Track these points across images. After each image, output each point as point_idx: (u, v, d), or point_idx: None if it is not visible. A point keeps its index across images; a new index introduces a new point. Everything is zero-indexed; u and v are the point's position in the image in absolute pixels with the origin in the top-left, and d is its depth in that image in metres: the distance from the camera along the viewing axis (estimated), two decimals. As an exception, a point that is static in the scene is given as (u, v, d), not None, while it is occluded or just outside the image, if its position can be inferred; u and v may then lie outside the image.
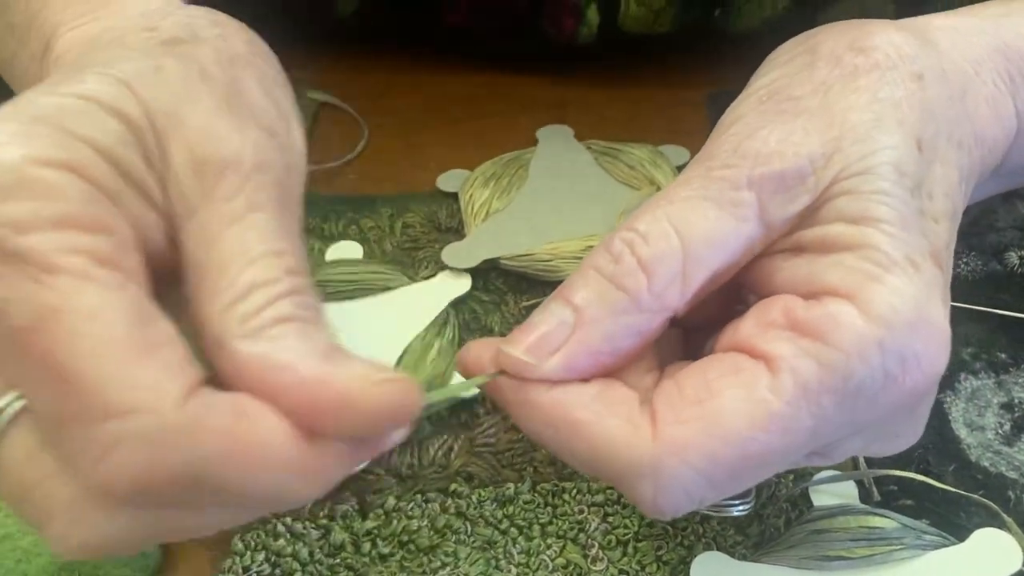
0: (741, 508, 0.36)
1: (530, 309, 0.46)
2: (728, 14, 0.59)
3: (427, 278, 0.48)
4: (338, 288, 0.47)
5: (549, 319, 0.29)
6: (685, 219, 0.29)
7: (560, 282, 0.46)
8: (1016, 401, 0.41)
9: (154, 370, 0.23)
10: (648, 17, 0.58)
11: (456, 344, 0.45)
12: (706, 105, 0.60)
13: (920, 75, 0.31)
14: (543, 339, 0.28)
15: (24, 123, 0.25)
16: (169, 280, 0.27)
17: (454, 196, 0.53)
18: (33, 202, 0.24)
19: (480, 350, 0.30)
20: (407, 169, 0.56)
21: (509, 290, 0.48)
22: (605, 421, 0.28)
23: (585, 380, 0.29)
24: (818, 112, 0.30)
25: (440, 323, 0.46)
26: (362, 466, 0.36)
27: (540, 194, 0.52)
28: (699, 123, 0.59)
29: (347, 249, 0.50)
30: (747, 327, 0.29)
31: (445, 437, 0.41)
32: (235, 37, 0.31)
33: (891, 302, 0.27)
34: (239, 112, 0.28)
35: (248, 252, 0.26)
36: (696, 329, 0.32)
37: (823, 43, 0.32)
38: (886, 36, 0.32)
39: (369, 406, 0.24)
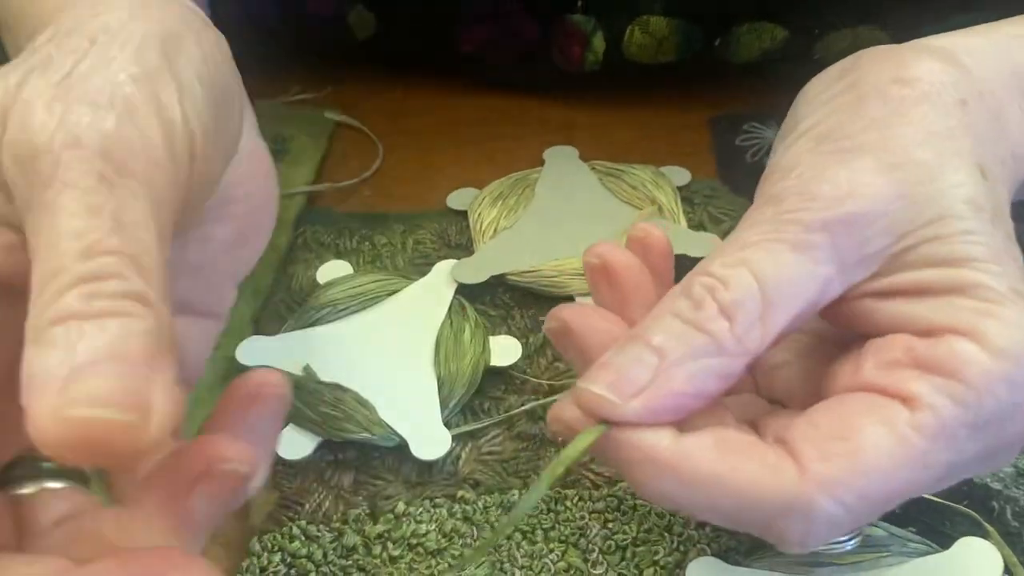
0: (852, 542, 0.37)
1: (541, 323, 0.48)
2: (728, 45, 0.61)
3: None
4: (348, 304, 0.48)
5: (628, 359, 0.29)
6: (761, 263, 0.29)
7: (566, 297, 0.49)
8: (1001, 416, 0.43)
9: None
10: (652, 45, 0.60)
11: (481, 324, 0.47)
12: (708, 128, 0.62)
13: (964, 101, 0.32)
14: (623, 378, 0.28)
15: None
16: None
17: (463, 214, 0.55)
18: None
19: (569, 409, 0.29)
20: (419, 188, 0.58)
21: (516, 305, 0.50)
22: (744, 468, 0.28)
23: (695, 428, 0.29)
24: (879, 149, 0.30)
25: (458, 308, 0.48)
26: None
27: (546, 213, 0.54)
28: (701, 145, 0.61)
29: (336, 268, 0.51)
30: (869, 368, 0.29)
31: (453, 445, 0.43)
32: (115, 7, 0.28)
33: (1010, 335, 0.28)
34: (74, 92, 0.26)
35: (45, 242, 0.24)
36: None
37: (864, 77, 0.33)
38: (925, 66, 0.32)
39: (49, 442, 0.21)
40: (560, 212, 0.54)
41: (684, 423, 0.29)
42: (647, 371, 0.28)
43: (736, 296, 0.29)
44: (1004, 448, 0.30)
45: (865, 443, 0.28)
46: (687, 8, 0.59)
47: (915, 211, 0.30)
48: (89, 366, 0.21)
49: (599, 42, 0.60)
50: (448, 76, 0.66)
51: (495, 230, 0.53)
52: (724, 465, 0.28)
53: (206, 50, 0.29)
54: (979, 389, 0.28)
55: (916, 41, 0.35)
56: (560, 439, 0.30)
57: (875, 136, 0.31)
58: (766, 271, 0.29)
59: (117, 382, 0.21)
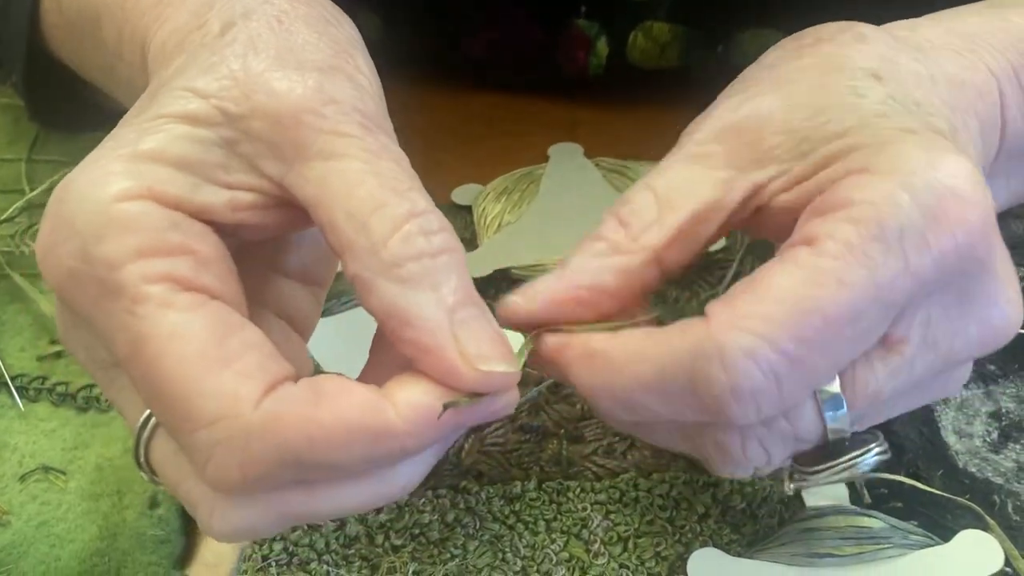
0: (876, 451, 0.32)
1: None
2: (730, 51, 0.61)
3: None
4: (353, 295, 0.48)
5: (540, 279, 0.32)
6: (657, 178, 0.32)
7: None
8: (1003, 410, 0.43)
9: (231, 379, 0.26)
10: (654, 51, 0.60)
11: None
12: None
13: (877, 75, 0.32)
14: (532, 288, 0.32)
15: (111, 160, 0.28)
16: (296, 227, 0.32)
17: (468, 209, 0.56)
18: (120, 238, 0.27)
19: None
20: (425, 183, 0.58)
21: (519, 299, 0.50)
22: (661, 338, 0.29)
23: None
24: (775, 83, 0.33)
25: None
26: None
27: (550, 208, 0.54)
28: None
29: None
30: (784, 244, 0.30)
31: (457, 437, 0.43)
32: None
33: (899, 154, 0.28)
34: (294, 63, 0.30)
35: (352, 180, 0.28)
36: None
37: (798, 39, 0.35)
38: (852, 31, 0.34)
39: (465, 384, 0.28)
40: (564, 208, 0.54)
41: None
42: (554, 279, 0.31)
43: (633, 207, 0.32)
44: (951, 278, 0.29)
45: (768, 281, 0.28)
46: (690, 14, 0.59)
47: (807, 112, 0.31)
48: (461, 312, 0.28)
49: (603, 47, 0.61)
50: (453, 74, 0.67)
51: (499, 225, 0.53)
52: (645, 341, 0.29)
53: (351, 26, 0.34)
54: (875, 202, 0.28)
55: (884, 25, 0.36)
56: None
57: (782, 77, 0.33)
58: (661, 182, 0.32)
59: (490, 331, 0.28)
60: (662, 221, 0.31)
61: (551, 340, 0.31)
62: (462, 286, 0.28)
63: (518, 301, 0.31)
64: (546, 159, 0.59)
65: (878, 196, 0.28)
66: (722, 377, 0.27)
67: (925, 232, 0.28)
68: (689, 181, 0.32)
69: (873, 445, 0.32)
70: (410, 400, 0.27)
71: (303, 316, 0.36)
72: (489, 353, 0.28)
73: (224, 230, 0.30)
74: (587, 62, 0.62)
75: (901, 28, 0.36)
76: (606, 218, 0.32)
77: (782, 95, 0.32)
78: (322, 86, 0.29)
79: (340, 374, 0.29)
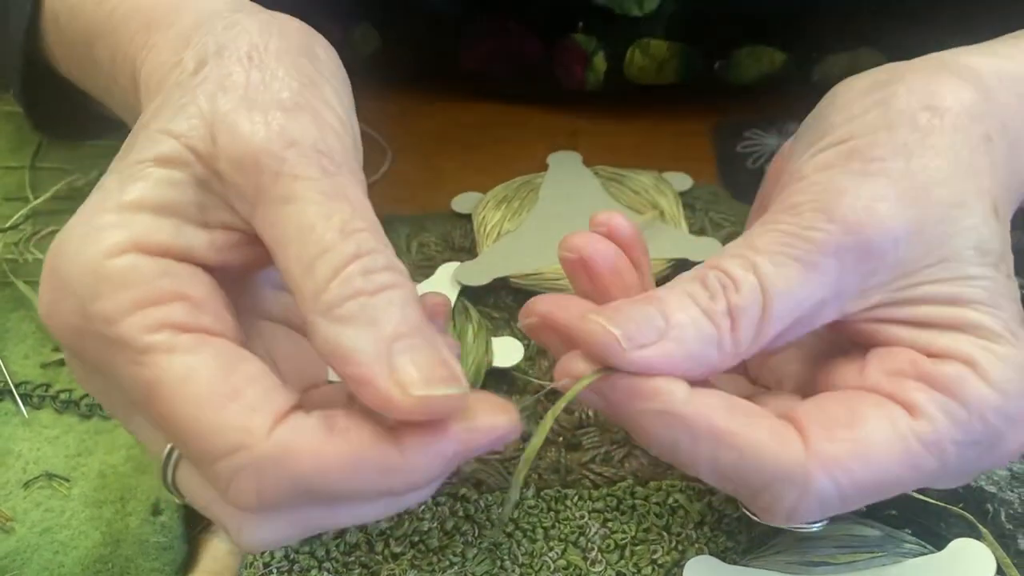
0: (821, 522, 0.37)
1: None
2: (728, 68, 0.61)
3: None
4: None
5: (641, 313, 0.30)
6: (770, 274, 0.30)
7: None
8: (997, 420, 0.43)
9: (239, 413, 0.28)
10: (652, 68, 0.61)
11: (484, 326, 0.48)
12: (710, 135, 0.63)
13: (989, 136, 0.33)
14: (635, 327, 0.29)
15: (98, 213, 0.29)
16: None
17: (468, 217, 0.56)
18: (115, 295, 0.28)
19: (577, 362, 0.31)
20: (425, 191, 0.59)
21: (518, 307, 0.50)
22: (753, 430, 0.30)
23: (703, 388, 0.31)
24: (901, 179, 0.32)
25: (461, 310, 0.49)
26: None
27: (549, 216, 0.55)
28: (703, 151, 0.62)
29: None
30: (875, 372, 0.32)
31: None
32: (251, 26, 0.33)
33: (1006, 373, 0.30)
34: (260, 103, 0.30)
35: (295, 226, 0.28)
36: None
37: (896, 97, 0.33)
38: (956, 95, 0.33)
39: (404, 413, 0.27)
40: (563, 216, 0.55)
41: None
42: (655, 331, 0.30)
43: (743, 302, 0.30)
44: (979, 469, 0.34)
45: (869, 434, 0.30)
46: (688, 31, 0.60)
47: (924, 250, 0.31)
48: (400, 343, 0.27)
49: (600, 62, 0.61)
50: (452, 84, 0.67)
51: (499, 233, 0.54)
52: (735, 423, 0.30)
53: (328, 52, 0.34)
54: (973, 412, 0.30)
55: (949, 55, 0.36)
56: (562, 384, 0.31)
57: (901, 165, 0.32)
58: (772, 283, 0.30)
59: (432, 356, 0.27)
60: (761, 331, 0.30)
61: (624, 386, 0.30)
62: (405, 319, 0.28)
63: (615, 334, 0.29)
64: (545, 168, 0.59)
65: (976, 408, 0.30)
66: (791, 502, 0.30)
67: (989, 449, 0.31)
68: (796, 291, 0.30)
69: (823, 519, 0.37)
70: (417, 440, 0.28)
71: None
72: (429, 378, 0.27)
73: (211, 270, 0.30)
74: (585, 77, 0.62)
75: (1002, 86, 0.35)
76: (715, 290, 0.30)
77: (907, 208, 0.31)
78: (284, 128, 0.30)
79: (350, 409, 0.29)
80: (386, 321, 0.27)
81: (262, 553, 0.40)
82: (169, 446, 0.31)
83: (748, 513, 0.36)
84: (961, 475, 0.33)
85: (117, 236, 0.29)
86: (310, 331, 0.28)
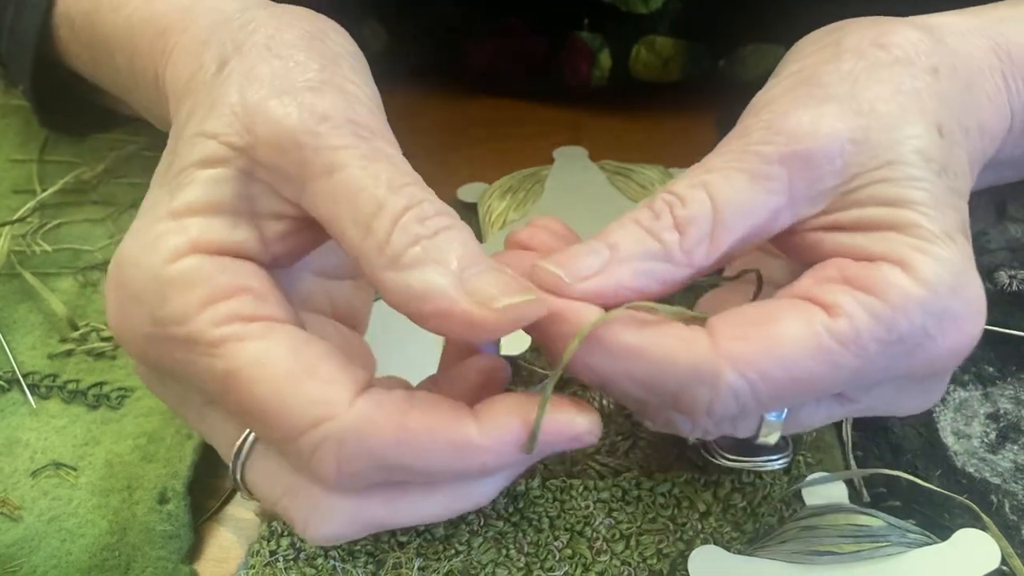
0: (781, 461, 0.39)
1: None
2: (732, 65, 0.62)
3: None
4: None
5: (584, 250, 0.31)
6: (719, 187, 0.31)
7: None
8: (1001, 412, 0.43)
9: (319, 387, 0.29)
10: (657, 64, 0.61)
11: None
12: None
13: (936, 69, 0.34)
14: (576, 263, 0.31)
15: (153, 223, 0.30)
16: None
17: (473, 207, 0.56)
18: (182, 296, 0.29)
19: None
20: (431, 183, 0.58)
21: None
22: (662, 339, 0.30)
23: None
24: (846, 100, 0.33)
25: None
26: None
27: (554, 208, 0.55)
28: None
29: None
30: (804, 283, 0.32)
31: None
32: (264, 20, 0.34)
33: (935, 269, 0.30)
34: (287, 88, 0.31)
35: (344, 192, 0.29)
36: None
37: (847, 37, 0.35)
38: (904, 34, 0.35)
39: (492, 328, 0.28)
40: (568, 209, 0.55)
41: None
42: (598, 260, 0.31)
43: (691, 213, 0.31)
44: (915, 376, 0.32)
45: (780, 332, 0.30)
46: (692, 29, 0.60)
47: (868, 155, 0.32)
48: (468, 270, 0.29)
49: (606, 59, 0.61)
50: (459, 79, 0.67)
51: (504, 222, 0.54)
52: (644, 338, 0.30)
53: (339, 32, 0.35)
54: (895, 308, 0.30)
55: (906, 17, 0.37)
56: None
57: (846, 88, 0.33)
58: (722, 195, 0.31)
59: (502, 274, 0.29)
60: (715, 240, 0.31)
61: (554, 304, 0.31)
62: (467, 251, 0.29)
63: (557, 273, 0.31)
64: (550, 162, 0.59)
65: (900, 302, 0.30)
66: (704, 399, 0.30)
67: (917, 348, 0.31)
68: (747, 201, 0.31)
69: (783, 455, 0.39)
70: (493, 419, 0.29)
71: (355, 311, 0.39)
72: (506, 291, 0.29)
73: (264, 264, 0.32)
74: (590, 74, 0.62)
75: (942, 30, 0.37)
76: (659, 209, 0.32)
77: (852, 122, 0.32)
78: (314, 105, 0.31)
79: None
80: (451, 256, 0.29)
81: (268, 541, 0.40)
82: (239, 443, 0.32)
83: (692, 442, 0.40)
84: (890, 376, 0.32)
85: (175, 241, 0.30)
86: (381, 289, 0.29)
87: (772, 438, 0.34)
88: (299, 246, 0.33)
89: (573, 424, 0.30)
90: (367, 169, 0.30)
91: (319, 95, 0.31)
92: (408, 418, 0.29)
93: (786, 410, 0.33)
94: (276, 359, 0.29)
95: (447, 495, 0.32)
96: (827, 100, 0.33)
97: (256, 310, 0.30)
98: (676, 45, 0.60)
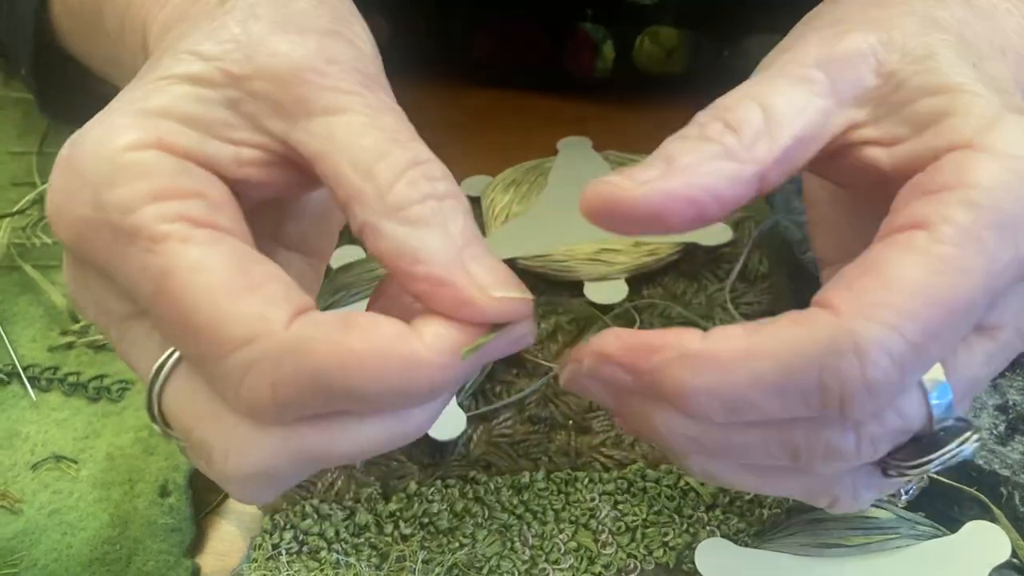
0: (974, 438, 0.31)
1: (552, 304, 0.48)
2: (737, 56, 0.61)
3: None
4: (362, 288, 0.49)
5: (643, 168, 0.29)
6: (763, 91, 0.30)
7: (576, 282, 0.49)
8: (1010, 403, 0.43)
9: (258, 303, 0.27)
10: (660, 55, 0.61)
11: None
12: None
13: (947, 3, 0.33)
14: (633, 173, 0.28)
15: (119, 116, 0.29)
16: (300, 188, 0.31)
17: (476, 200, 0.56)
18: (133, 183, 0.27)
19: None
20: None
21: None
22: (775, 332, 0.27)
23: None
24: (866, 22, 0.32)
25: None
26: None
27: (558, 200, 0.55)
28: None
29: (350, 253, 0.52)
30: (886, 223, 0.29)
31: (465, 428, 0.43)
32: None
33: (1010, 137, 0.28)
34: (294, 28, 0.30)
35: (356, 129, 0.28)
36: None
37: None
38: None
39: (481, 313, 0.27)
40: (572, 200, 0.53)
41: None
42: (656, 171, 0.28)
43: (740, 116, 0.29)
44: None
45: (892, 268, 0.27)
46: (696, 19, 0.59)
47: (900, 53, 0.31)
48: (469, 249, 0.28)
49: (609, 50, 0.61)
50: (462, 71, 0.67)
51: (507, 216, 0.54)
52: (756, 337, 0.27)
53: (348, 3, 0.34)
54: (990, 187, 0.27)
55: None
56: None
57: (862, 13, 0.32)
58: (768, 97, 0.30)
59: (499, 264, 0.28)
60: (772, 136, 0.29)
61: (629, 342, 0.28)
62: (468, 227, 0.28)
63: (623, 184, 0.28)
64: (554, 153, 0.59)
65: (992, 181, 0.28)
66: (856, 371, 0.26)
67: None
68: (795, 101, 0.30)
69: (970, 433, 0.31)
70: (438, 333, 0.28)
71: (303, 288, 0.36)
72: (503, 283, 0.28)
73: (230, 185, 0.30)
74: (593, 65, 0.62)
75: None
76: (707, 121, 0.30)
77: (878, 32, 0.31)
78: (323, 47, 0.30)
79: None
80: (455, 226, 0.28)
81: (270, 535, 0.40)
82: (160, 361, 0.30)
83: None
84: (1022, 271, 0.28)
85: (140, 133, 0.28)
86: (373, 233, 0.28)
87: (948, 411, 0.29)
88: (268, 181, 0.31)
89: (511, 328, 0.29)
90: (373, 118, 0.29)
91: (329, 39, 0.30)
92: (351, 337, 0.27)
93: (942, 375, 0.29)
94: (217, 267, 0.27)
95: (387, 421, 0.29)
96: (848, 23, 0.32)
97: (208, 216, 0.28)
98: (680, 36, 0.60)
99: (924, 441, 0.30)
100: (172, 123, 0.29)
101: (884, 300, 0.27)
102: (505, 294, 0.28)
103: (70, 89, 0.51)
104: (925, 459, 0.31)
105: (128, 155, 0.28)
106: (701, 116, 0.30)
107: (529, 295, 0.29)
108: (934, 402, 0.29)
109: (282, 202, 0.34)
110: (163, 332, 0.29)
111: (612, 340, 0.29)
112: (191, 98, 0.29)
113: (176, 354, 0.29)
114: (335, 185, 0.28)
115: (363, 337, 0.27)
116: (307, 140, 0.29)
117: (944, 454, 0.30)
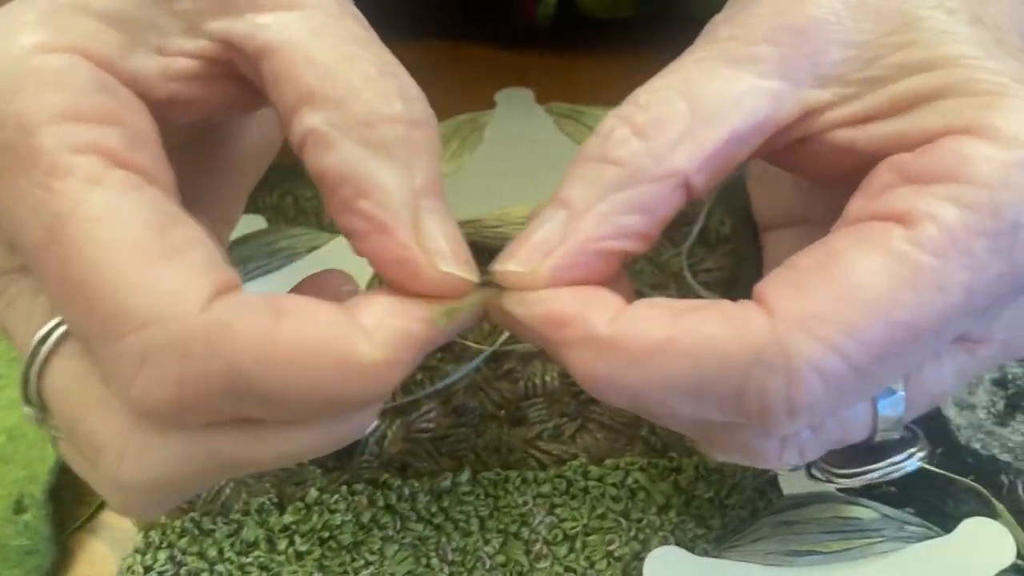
0: (919, 455, 0.28)
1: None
2: (687, 1, 0.56)
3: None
4: (261, 262, 0.43)
5: (540, 224, 0.25)
6: (693, 81, 0.26)
7: None
8: (1010, 376, 0.37)
9: (173, 274, 0.21)
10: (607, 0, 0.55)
11: None
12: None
13: None
14: (530, 243, 0.25)
15: (25, 8, 0.24)
16: (233, 108, 0.27)
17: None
18: (39, 95, 0.22)
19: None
20: None
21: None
22: (699, 326, 0.23)
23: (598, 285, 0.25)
24: None
25: None
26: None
27: (494, 158, 0.49)
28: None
29: (248, 223, 0.46)
30: (856, 204, 0.24)
31: (377, 423, 0.37)
32: None
33: (1011, 117, 0.23)
34: None
35: (319, 27, 0.24)
36: None
37: None
38: None
39: (419, 282, 0.24)
40: (510, 158, 0.49)
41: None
42: (557, 228, 0.25)
43: (654, 115, 0.25)
44: None
45: (851, 268, 0.22)
46: None
47: (873, 19, 0.26)
48: (427, 200, 0.24)
49: None
50: (393, 19, 0.61)
51: (434, 177, 0.47)
52: (674, 328, 0.23)
53: None
54: (990, 184, 0.22)
55: None
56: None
57: None
58: (695, 87, 0.25)
59: (455, 231, 0.25)
60: (696, 137, 0.25)
61: (537, 313, 0.24)
62: (433, 172, 0.24)
63: (516, 272, 0.25)
64: (491, 107, 0.53)
65: (993, 176, 0.22)
66: (781, 392, 0.22)
67: None
68: (730, 89, 0.25)
69: (915, 449, 0.28)
70: (384, 324, 0.23)
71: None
72: (456, 255, 0.24)
73: (153, 108, 0.25)
74: (535, 10, 0.57)
75: None
76: (613, 126, 0.26)
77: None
78: None
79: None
80: (419, 168, 0.24)
81: (143, 555, 0.34)
82: (43, 331, 0.24)
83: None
84: (1018, 285, 0.23)
85: (53, 34, 0.23)
86: (321, 143, 0.23)
87: (896, 425, 0.26)
88: (195, 99, 0.26)
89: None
90: (338, 19, 0.25)
91: None
92: (279, 329, 0.21)
93: (901, 384, 0.25)
94: (127, 222, 0.22)
95: (325, 426, 0.24)
96: None
97: (126, 152, 0.23)
98: None
99: (861, 449, 0.27)
100: (91, 21, 0.24)
101: (832, 312, 0.22)
102: (451, 270, 0.24)
103: None
104: (860, 470, 0.28)
105: (36, 58, 0.23)
106: (609, 119, 0.26)
107: (476, 277, 0.25)
108: (882, 414, 0.26)
109: (194, 144, 0.29)
110: (48, 297, 0.24)
111: (515, 305, 0.25)
112: None
113: (64, 326, 0.24)
114: (284, 83, 0.24)
115: (294, 326, 0.21)
116: (253, 33, 0.24)
117: (881, 467, 0.28)
